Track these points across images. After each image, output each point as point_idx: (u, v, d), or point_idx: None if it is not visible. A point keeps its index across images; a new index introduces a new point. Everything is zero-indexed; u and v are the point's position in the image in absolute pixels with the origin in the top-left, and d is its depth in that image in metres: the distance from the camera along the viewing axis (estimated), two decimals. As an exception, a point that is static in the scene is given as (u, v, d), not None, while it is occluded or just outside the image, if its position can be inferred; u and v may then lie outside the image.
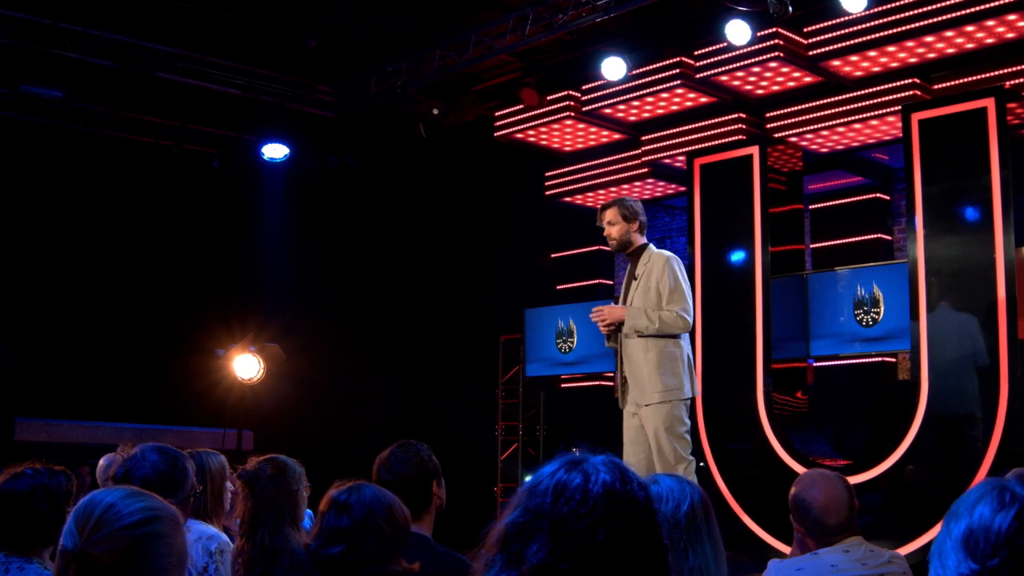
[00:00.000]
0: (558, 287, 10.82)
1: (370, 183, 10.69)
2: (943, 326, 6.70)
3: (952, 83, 7.79)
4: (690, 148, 8.81)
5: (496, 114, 9.78)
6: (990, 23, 7.17)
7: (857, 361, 8.29)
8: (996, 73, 7.51)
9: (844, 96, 8.19)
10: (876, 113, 8.01)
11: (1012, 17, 7.08)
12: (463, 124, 9.77)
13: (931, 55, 7.71)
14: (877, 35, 7.55)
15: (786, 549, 6.48)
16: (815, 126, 8.36)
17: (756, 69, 8.14)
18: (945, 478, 6.56)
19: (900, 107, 7.47)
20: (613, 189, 10.04)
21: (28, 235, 9.53)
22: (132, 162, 10.17)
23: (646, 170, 9.66)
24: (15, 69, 8.63)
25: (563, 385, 10.45)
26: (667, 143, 9.26)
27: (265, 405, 9.48)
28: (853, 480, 6.54)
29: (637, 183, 9.92)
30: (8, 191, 9.37)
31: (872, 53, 7.72)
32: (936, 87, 7.88)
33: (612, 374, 5.62)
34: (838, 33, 7.74)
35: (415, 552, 2.71)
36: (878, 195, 9.13)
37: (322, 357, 10.22)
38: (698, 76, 8.42)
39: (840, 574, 2.94)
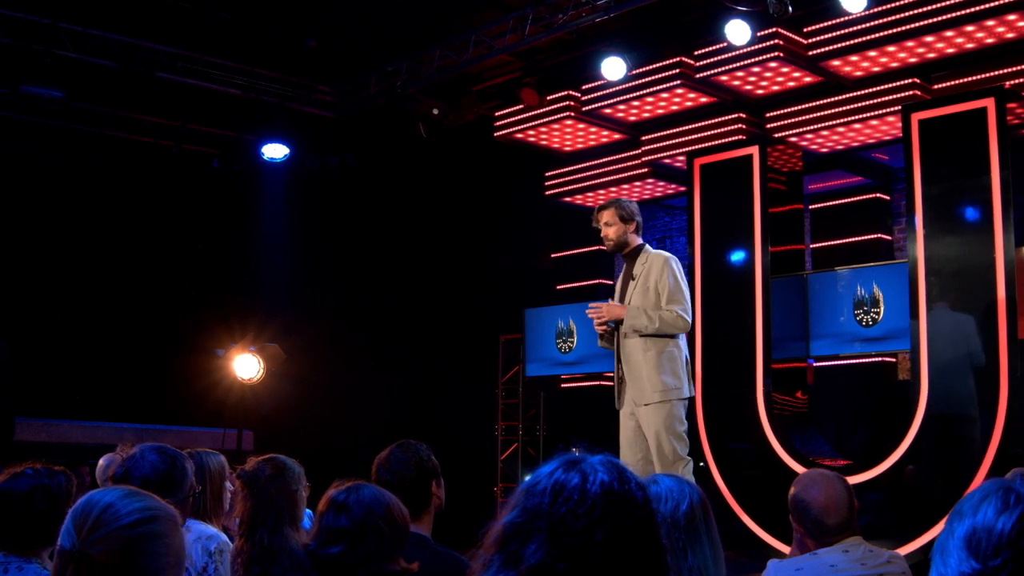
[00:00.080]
0: (558, 287, 10.82)
1: (370, 183, 10.69)
2: (943, 326, 6.70)
3: (952, 83, 7.79)
4: (690, 148, 8.81)
5: (496, 114, 9.78)
6: (990, 23, 7.17)
7: (857, 361, 8.29)
8: (996, 73, 7.51)
9: (844, 96, 8.19)
10: (876, 113, 8.01)
11: (1012, 17, 7.08)
12: (463, 124, 9.77)
13: (931, 55, 7.71)
14: (877, 35, 7.55)
15: (786, 549, 6.48)
16: (815, 126, 8.36)
17: (756, 69, 8.14)
18: (945, 478, 6.56)
19: (900, 107, 7.47)
20: (613, 189, 10.04)
21: (28, 235, 9.53)
22: (132, 162, 10.17)
23: (646, 170, 9.66)
24: (15, 69, 8.63)
25: (563, 385, 10.45)
26: (667, 143, 9.26)
27: (265, 405, 9.48)
28: (853, 480, 6.55)
29: (637, 183, 9.92)
30: (8, 191, 9.37)
31: (872, 53, 7.72)
32: (936, 87, 7.88)
33: (612, 374, 5.62)
34: (838, 33, 7.74)
35: (414, 552, 2.71)
36: (878, 195, 9.13)
37: (322, 357, 10.22)
38: (698, 76, 8.42)
39: (839, 574, 2.94)
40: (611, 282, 10.53)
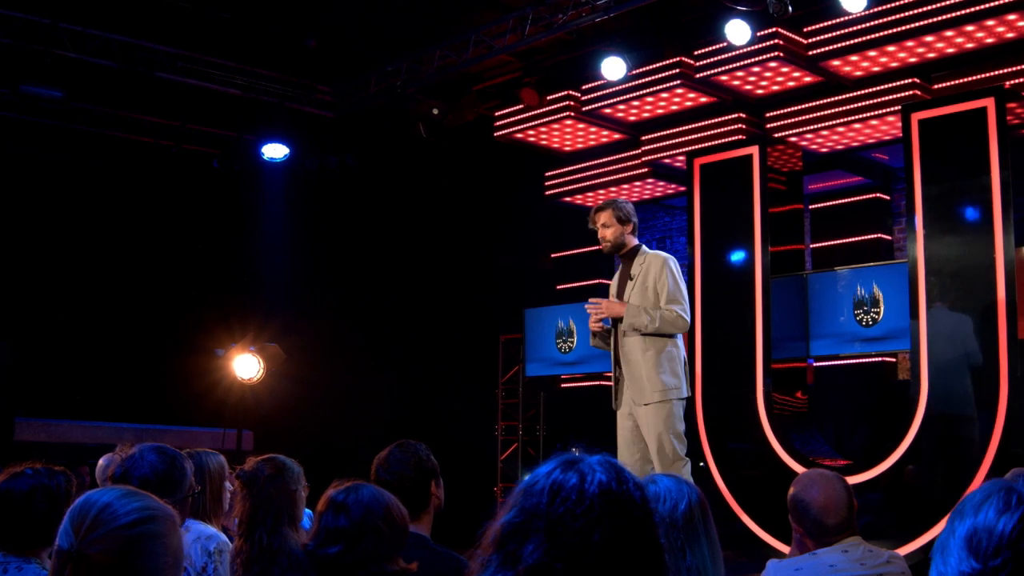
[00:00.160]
0: (558, 287, 10.82)
1: (370, 183, 10.69)
2: (943, 326, 6.70)
3: (952, 83, 7.79)
4: (690, 148, 8.81)
5: (496, 114, 9.78)
6: (990, 23, 7.17)
7: (857, 361, 8.29)
8: (996, 73, 7.51)
9: (844, 96, 8.19)
10: (876, 113, 8.01)
11: (1012, 17, 7.08)
12: (463, 124, 9.77)
13: (931, 55, 7.71)
14: (877, 35, 7.55)
15: (786, 549, 6.48)
16: (815, 126, 8.36)
17: (756, 69, 8.14)
18: (945, 478, 6.56)
19: (900, 107, 7.47)
20: (613, 189, 10.04)
21: (28, 235, 9.53)
22: (132, 162, 10.17)
23: (646, 170, 9.66)
24: (15, 69, 8.63)
25: (563, 385, 10.45)
26: (667, 143, 9.26)
27: (265, 405, 9.48)
28: (853, 480, 6.55)
29: (637, 183, 9.92)
30: (8, 191, 9.37)
31: (872, 53, 7.72)
32: (936, 87, 7.88)
33: (612, 374, 5.63)
34: (838, 33, 7.74)
35: (413, 552, 2.71)
36: (878, 195, 9.13)
37: (322, 357, 10.22)
38: (698, 76, 8.42)
39: (839, 574, 2.94)
40: (611, 282, 10.52)
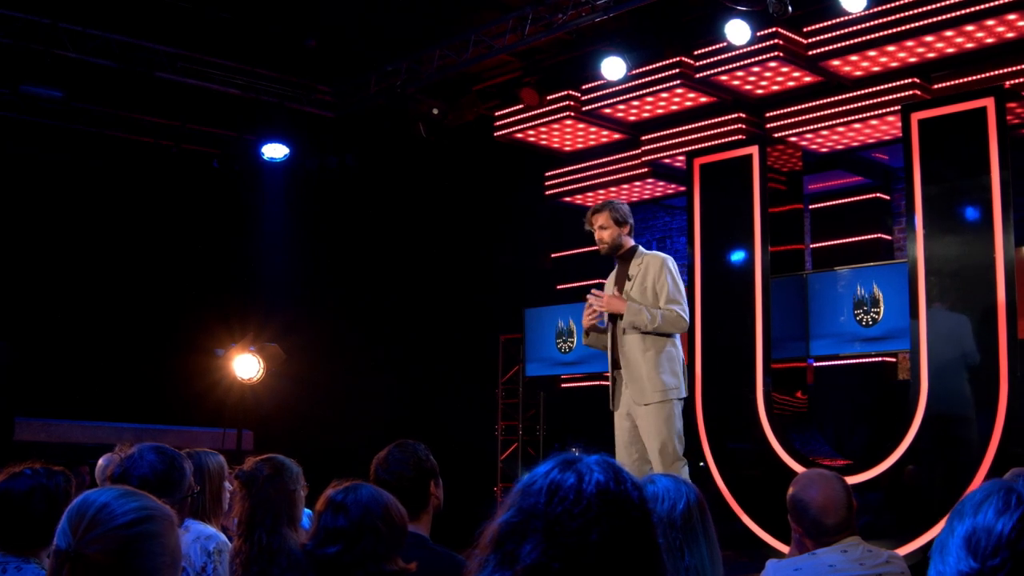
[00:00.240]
0: (558, 287, 10.82)
1: (370, 183, 10.69)
2: (943, 326, 6.70)
3: (952, 83, 7.79)
4: (690, 148, 8.81)
5: (496, 114, 9.78)
6: (990, 23, 7.17)
7: (857, 361, 8.29)
8: (996, 73, 7.51)
9: (844, 96, 8.18)
10: (876, 113, 8.01)
11: (1012, 17, 7.08)
12: (463, 124, 9.77)
13: (931, 55, 7.71)
14: (877, 35, 7.54)
15: (786, 549, 6.47)
16: (815, 126, 8.36)
17: (756, 69, 8.14)
18: (945, 478, 6.56)
19: (900, 107, 7.46)
20: (613, 189, 10.04)
21: (28, 235, 9.53)
22: (132, 162, 10.17)
23: (646, 170, 9.66)
24: (15, 69, 8.63)
25: (563, 385, 10.45)
26: (667, 143, 9.26)
27: (265, 405, 9.48)
28: (853, 480, 6.56)
29: (637, 183, 9.92)
30: (8, 191, 9.38)
31: (872, 53, 7.72)
32: (936, 87, 7.88)
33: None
34: (838, 33, 7.74)
35: (412, 552, 2.71)
36: (878, 195, 9.13)
37: (322, 357, 10.22)
38: (698, 76, 8.41)
39: (838, 574, 2.94)
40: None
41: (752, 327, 7.72)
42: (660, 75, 8.61)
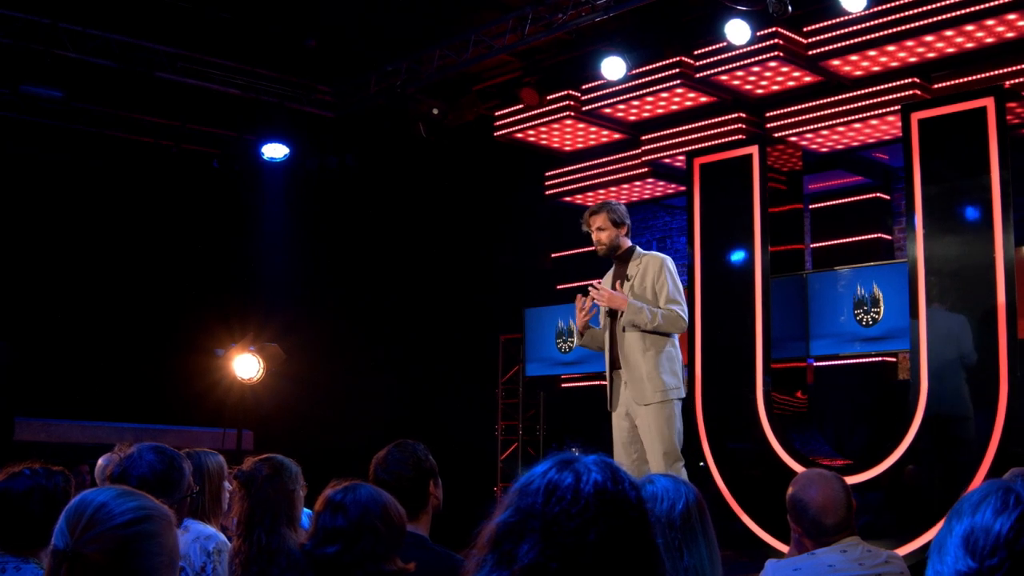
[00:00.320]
0: (558, 287, 10.82)
1: (370, 183, 10.69)
2: (943, 326, 6.70)
3: (952, 83, 7.79)
4: (690, 148, 8.81)
5: (496, 114, 9.78)
6: (990, 22, 7.16)
7: (857, 361, 8.28)
8: (996, 72, 7.51)
9: (844, 96, 8.18)
10: (876, 113, 8.00)
11: (1012, 16, 7.07)
12: (463, 124, 9.77)
13: (931, 55, 7.71)
14: (877, 35, 7.54)
15: (786, 549, 6.47)
16: (815, 126, 8.35)
17: (756, 69, 8.14)
18: (945, 478, 6.56)
19: (900, 107, 7.46)
20: (613, 189, 10.04)
21: (28, 235, 9.53)
22: (132, 162, 10.17)
23: (646, 170, 9.66)
24: (15, 69, 8.63)
25: (563, 385, 10.45)
26: (667, 143, 9.26)
27: (265, 405, 9.48)
28: (853, 480, 6.55)
29: (637, 183, 9.92)
30: (8, 191, 9.38)
31: (872, 53, 7.72)
32: (936, 87, 7.88)
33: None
34: (838, 33, 7.74)
35: (412, 552, 2.71)
36: (878, 195, 9.13)
37: (322, 357, 10.22)
38: (698, 76, 8.41)
39: (837, 574, 2.93)
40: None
41: (752, 327, 7.72)
42: (660, 75, 8.61)
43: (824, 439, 8.28)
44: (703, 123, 8.99)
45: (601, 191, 10.06)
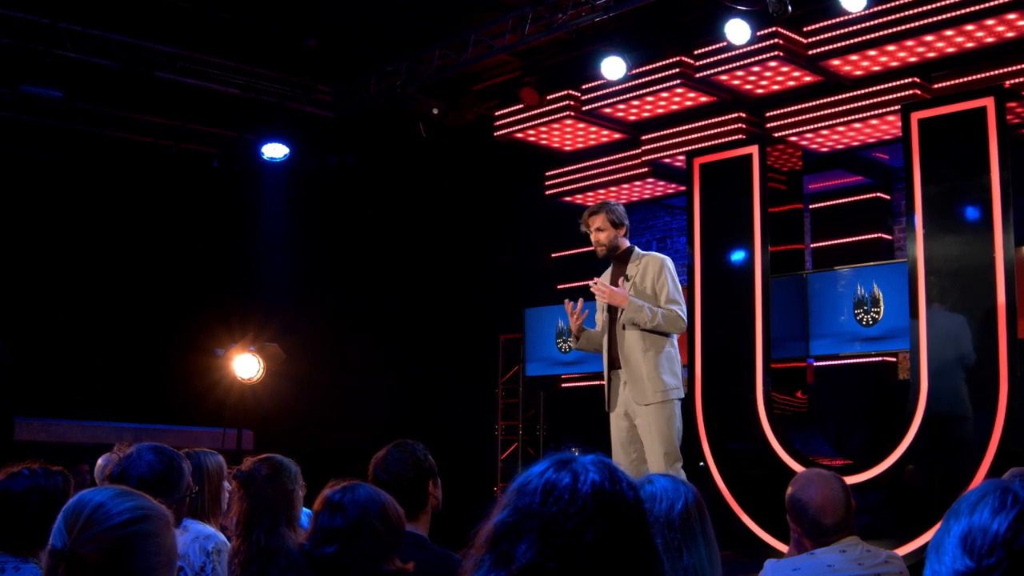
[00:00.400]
0: (558, 287, 10.81)
1: (370, 183, 10.69)
2: (943, 326, 6.69)
3: (952, 82, 7.79)
4: (690, 148, 8.80)
5: (496, 114, 9.77)
6: (990, 22, 7.16)
7: (857, 361, 8.28)
8: (996, 72, 7.50)
9: (844, 95, 8.18)
10: (876, 112, 8.00)
11: (1012, 16, 7.07)
12: (463, 124, 9.77)
13: (931, 54, 7.71)
14: (877, 34, 7.54)
15: (786, 549, 6.47)
16: (815, 125, 8.35)
17: (756, 69, 8.14)
18: (944, 478, 6.56)
19: (900, 106, 7.46)
20: (613, 189, 10.04)
21: (28, 235, 9.54)
22: (132, 162, 10.17)
23: (646, 170, 9.66)
24: (15, 69, 8.64)
25: (563, 385, 10.45)
26: (667, 143, 9.26)
27: (265, 405, 9.49)
28: (853, 480, 6.55)
29: (637, 183, 9.92)
30: (8, 191, 9.38)
31: (872, 52, 7.71)
32: (936, 86, 7.88)
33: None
34: (838, 32, 7.74)
35: (411, 552, 2.71)
36: (878, 194, 9.13)
37: (322, 357, 10.23)
38: (698, 76, 8.41)
39: (837, 574, 2.93)
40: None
41: (752, 327, 7.72)
42: (660, 75, 8.61)
43: (824, 439, 8.28)
44: (703, 123, 8.99)
45: (601, 191, 10.06)
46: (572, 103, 9.24)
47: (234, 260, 10.31)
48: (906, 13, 7.37)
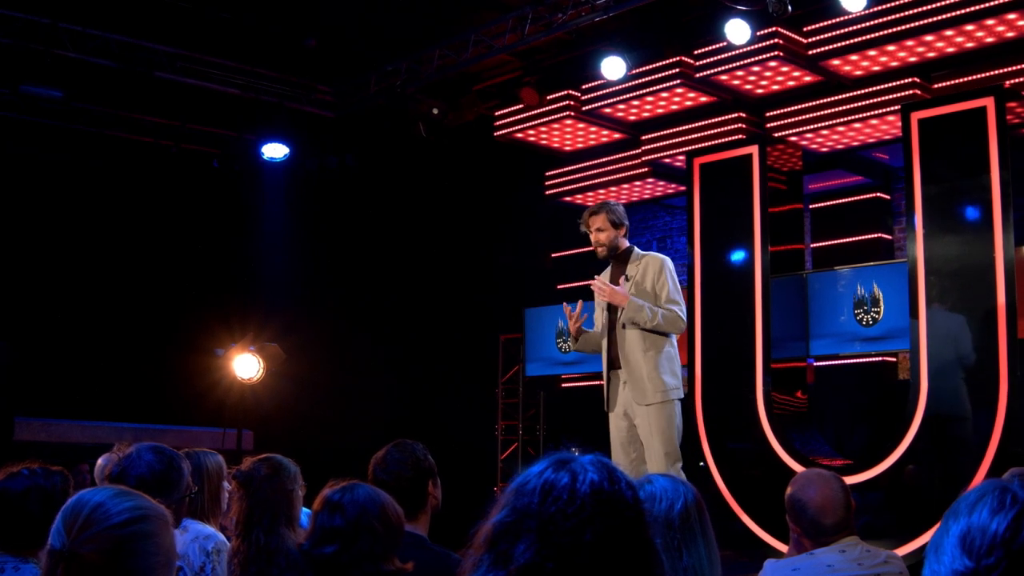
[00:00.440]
0: (558, 287, 10.82)
1: (370, 183, 10.69)
2: (943, 326, 6.69)
3: (952, 82, 7.79)
4: (690, 148, 8.80)
5: (496, 114, 9.77)
6: (990, 22, 7.16)
7: (857, 361, 8.28)
8: (996, 72, 7.50)
9: (844, 95, 8.18)
10: (876, 112, 8.00)
11: (1012, 16, 7.07)
12: (463, 124, 9.77)
13: (931, 54, 7.71)
14: (877, 34, 7.54)
15: (785, 549, 6.47)
16: (815, 125, 8.35)
17: (756, 68, 8.14)
18: (944, 478, 6.56)
19: (900, 106, 7.46)
20: (613, 189, 10.04)
21: (28, 235, 9.54)
22: (132, 162, 10.17)
23: (646, 170, 9.66)
24: (15, 69, 8.64)
25: (563, 385, 10.45)
26: (667, 143, 9.26)
27: (265, 405, 9.49)
28: (853, 480, 6.55)
29: (637, 183, 9.92)
30: (8, 191, 9.38)
31: (872, 52, 7.71)
32: (936, 86, 7.88)
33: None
34: (838, 32, 7.74)
35: (410, 552, 2.71)
36: (878, 194, 9.12)
37: (322, 357, 10.23)
38: (698, 76, 8.41)
39: (836, 574, 2.93)
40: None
41: (752, 327, 7.72)
42: (660, 75, 8.61)
43: (824, 439, 8.28)
44: (703, 123, 8.99)
45: (601, 191, 10.05)
46: (572, 103, 9.24)
47: (234, 260, 10.31)
48: (906, 13, 7.37)
